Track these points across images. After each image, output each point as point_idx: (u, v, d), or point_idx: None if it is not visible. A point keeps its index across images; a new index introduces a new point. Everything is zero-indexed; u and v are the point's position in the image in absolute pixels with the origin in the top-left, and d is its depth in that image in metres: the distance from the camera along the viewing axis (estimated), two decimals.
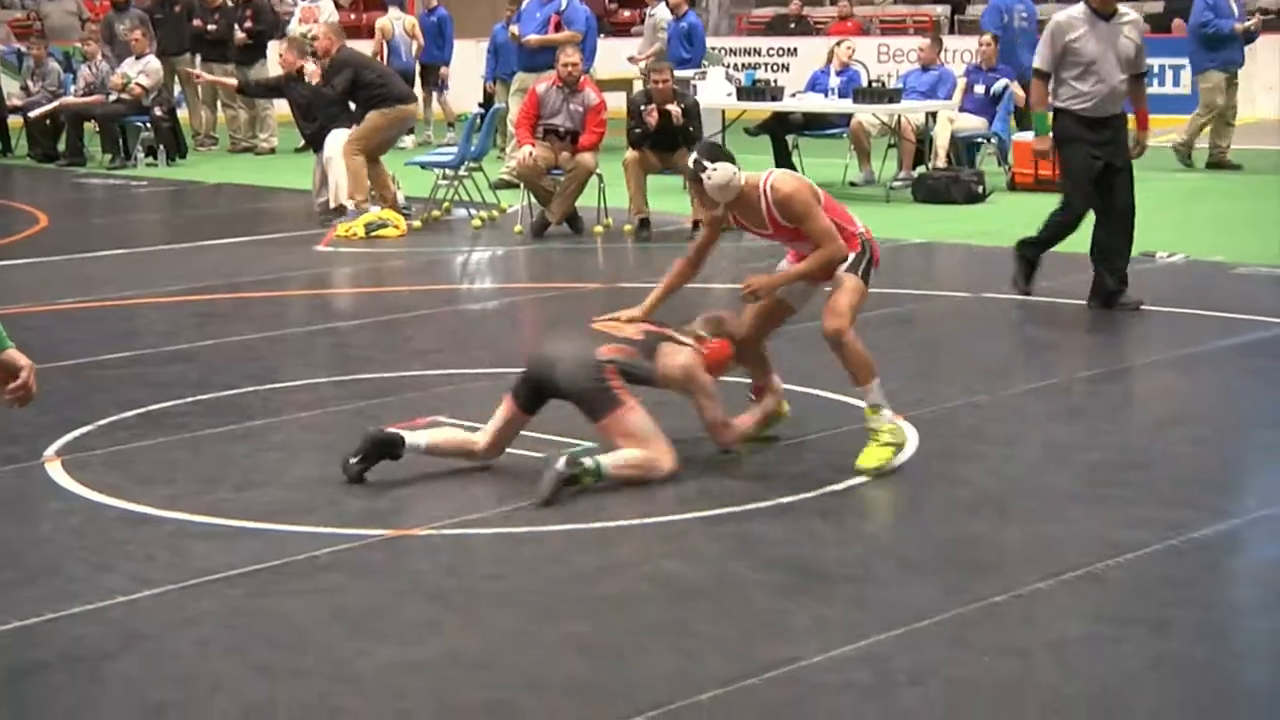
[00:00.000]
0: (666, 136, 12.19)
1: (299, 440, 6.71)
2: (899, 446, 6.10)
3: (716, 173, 6.22)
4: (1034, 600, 4.78)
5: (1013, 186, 14.54)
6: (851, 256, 6.21)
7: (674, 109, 12.11)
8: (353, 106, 12.91)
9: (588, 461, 5.87)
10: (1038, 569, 5.04)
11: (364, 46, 16.36)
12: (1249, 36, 15.91)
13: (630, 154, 12.27)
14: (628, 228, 12.38)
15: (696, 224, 11.97)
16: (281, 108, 16.18)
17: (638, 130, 12.22)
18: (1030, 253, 9.39)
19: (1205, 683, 4.21)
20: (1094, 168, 8.99)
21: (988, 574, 5.00)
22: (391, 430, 6.13)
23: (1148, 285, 9.76)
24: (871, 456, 6.02)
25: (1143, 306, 8.98)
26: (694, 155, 6.28)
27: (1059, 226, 9.26)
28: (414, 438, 6.15)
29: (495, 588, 4.98)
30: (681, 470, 6.01)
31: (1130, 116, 9.35)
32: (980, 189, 13.87)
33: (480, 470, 6.18)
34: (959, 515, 5.62)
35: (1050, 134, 9.22)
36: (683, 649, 4.47)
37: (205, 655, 4.51)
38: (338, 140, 12.81)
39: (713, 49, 18.36)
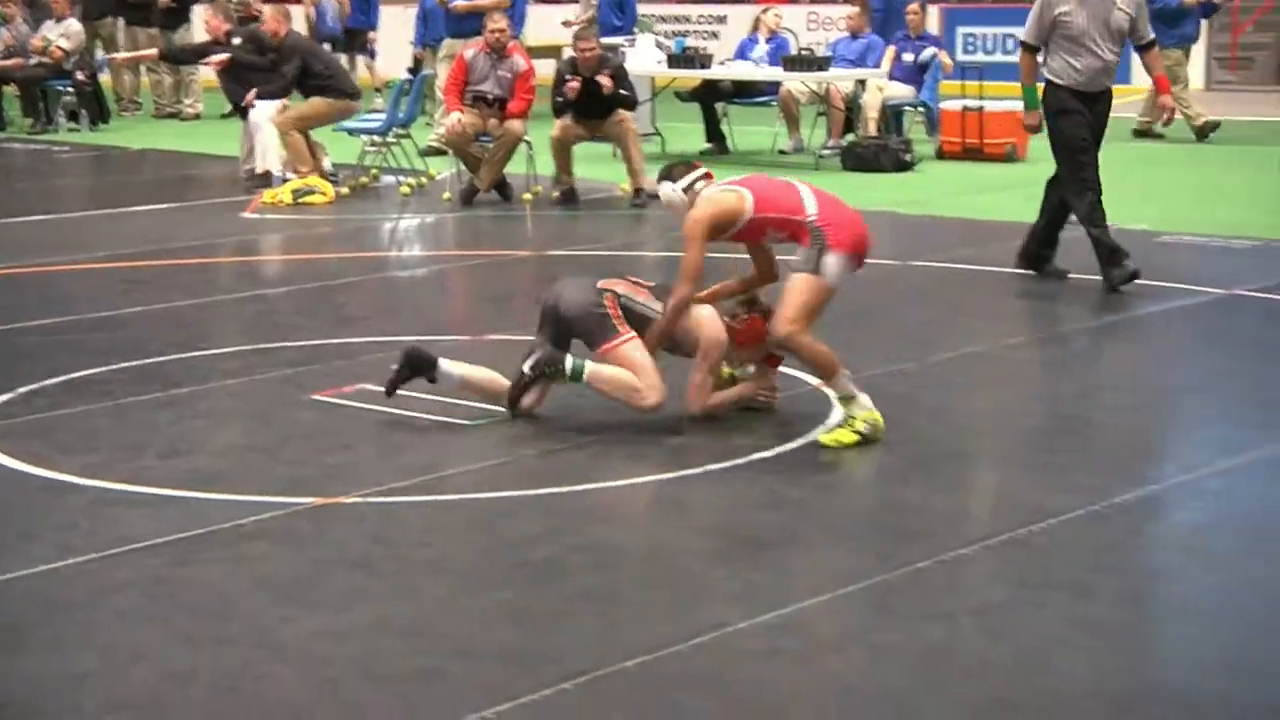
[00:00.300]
0: (596, 104, 12.15)
1: (225, 408, 6.65)
2: (867, 438, 5.96)
3: (659, 192, 6.28)
4: (959, 566, 4.82)
5: (940, 155, 14.62)
6: (801, 253, 6.11)
7: (605, 80, 12.06)
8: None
9: (568, 361, 5.96)
10: (963, 535, 5.08)
11: (293, 13, 16.20)
12: (1205, 10, 15.99)
13: (555, 128, 12.23)
14: (555, 194, 12.35)
15: (639, 191, 11.97)
16: (207, 73, 16.02)
17: (560, 100, 12.18)
18: (1099, 238, 8.86)
19: (1124, 645, 4.26)
20: (1085, 137, 8.84)
21: (914, 540, 5.03)
22: (428, 353, 6.24)
23: (1075, 253, 9.84)
24: (833, 436, 5.99)
25: (1069, 275, 9.06)
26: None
27: (1089, 208, 8.79)
28: (448, 365, 6.24)
29: (423, 555, 4.97)
30: (662, 407, 6.08)
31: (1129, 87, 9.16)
32: (908, 157, 13.93)
33: (411, 437, 6.15)
34: (887, 482, 5.66)
35: (1038, 108, 9.09)
36: (610, 616, 4.47)
37: (127, 624, 4.47)
38: (266, 109, 12.73)
39: (643, 16, 18.30)
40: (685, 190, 6.27)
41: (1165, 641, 4.33)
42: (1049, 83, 8.96)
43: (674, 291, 6.14)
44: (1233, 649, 4.26)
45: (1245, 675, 4.10)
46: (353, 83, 13.00)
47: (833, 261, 6.04)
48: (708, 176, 6.34)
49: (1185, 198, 12.28)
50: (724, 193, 6.14)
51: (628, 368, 6.07)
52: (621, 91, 12.15)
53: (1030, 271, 9.07)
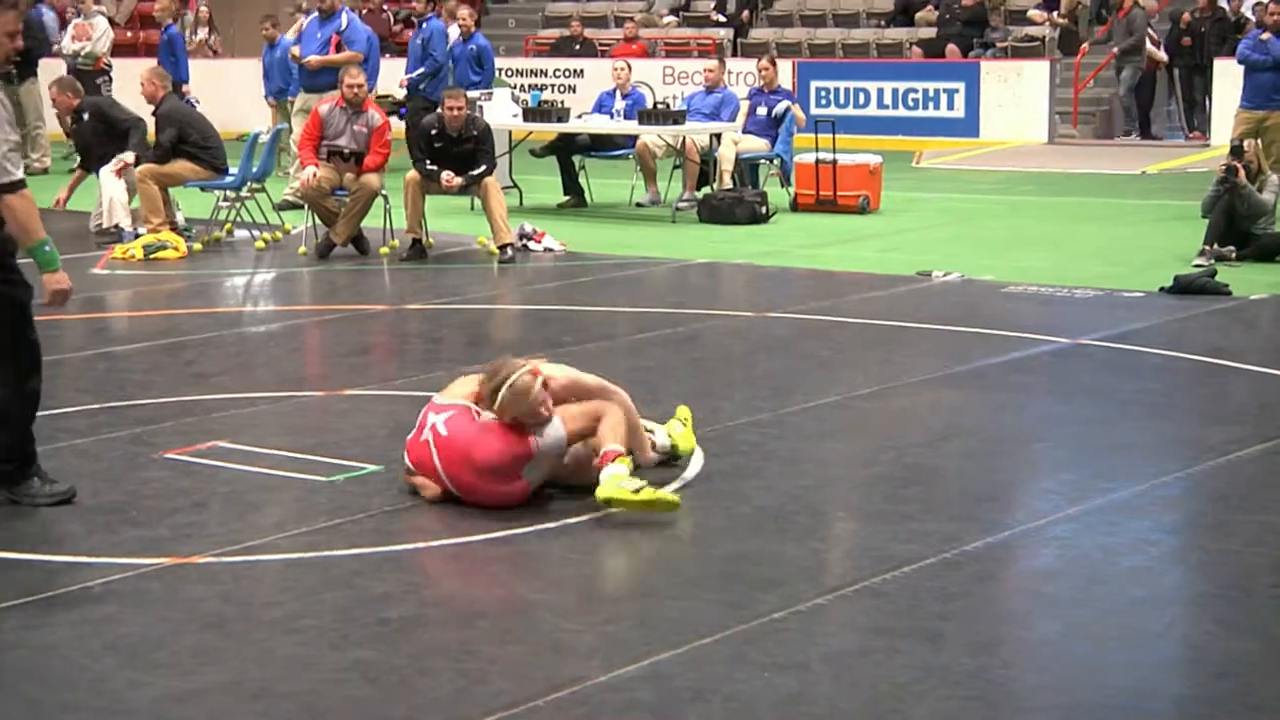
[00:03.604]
0: (457, 160, 12.14)
1: (72, 468, 6.50)
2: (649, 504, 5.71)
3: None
4: (812, 616, 4.86)
5: (795, 207, 14.81)
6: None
7: (451, 182, 12.01)
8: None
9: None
10: (817, 584, 5.13)
11: (142, 63, 16.02)
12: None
13: (411, 175, 12.21)
14: (389, 246, 12.28)
15: (505, 246, 11.94)
16: (54, 126, 15.77)
17: (425, 160, 12.15)
18: None
19: (974, 692, 4.33)
20: None
21: (768, 590, 5.07)
22: None
23: (924, 304, 10.02)
24: (616, 489, 5.72)
25: (923, 324, 9.22)
26: None
27: None
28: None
29: (275, 614, 4.90)
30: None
31: None
32: (764, 209, 14.10)
33: (265, 494, 6.08)
34: (741, 532, 5.69)
35: None
36: (467, 671, 4.45)
37: None
38: (110, 165, 12.59)
39: (500, 70, 18.39)
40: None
41: (1014, 688, 4.40)
42: None
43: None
44: (1078, 694, 4.34)
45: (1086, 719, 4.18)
46: (224, 157, 12.82)
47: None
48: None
49: (1031, 249, 12.55)
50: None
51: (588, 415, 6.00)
52: (479, 152, 12.15)
53: None
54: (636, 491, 5.68)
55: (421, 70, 16.59)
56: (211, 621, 4.84)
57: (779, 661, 4.49)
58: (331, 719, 4.16)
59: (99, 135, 12.99)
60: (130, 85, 14.19)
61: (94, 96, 13.68)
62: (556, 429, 5.85)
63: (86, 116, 13.12)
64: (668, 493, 5.81)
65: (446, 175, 12.02)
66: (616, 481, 5.71)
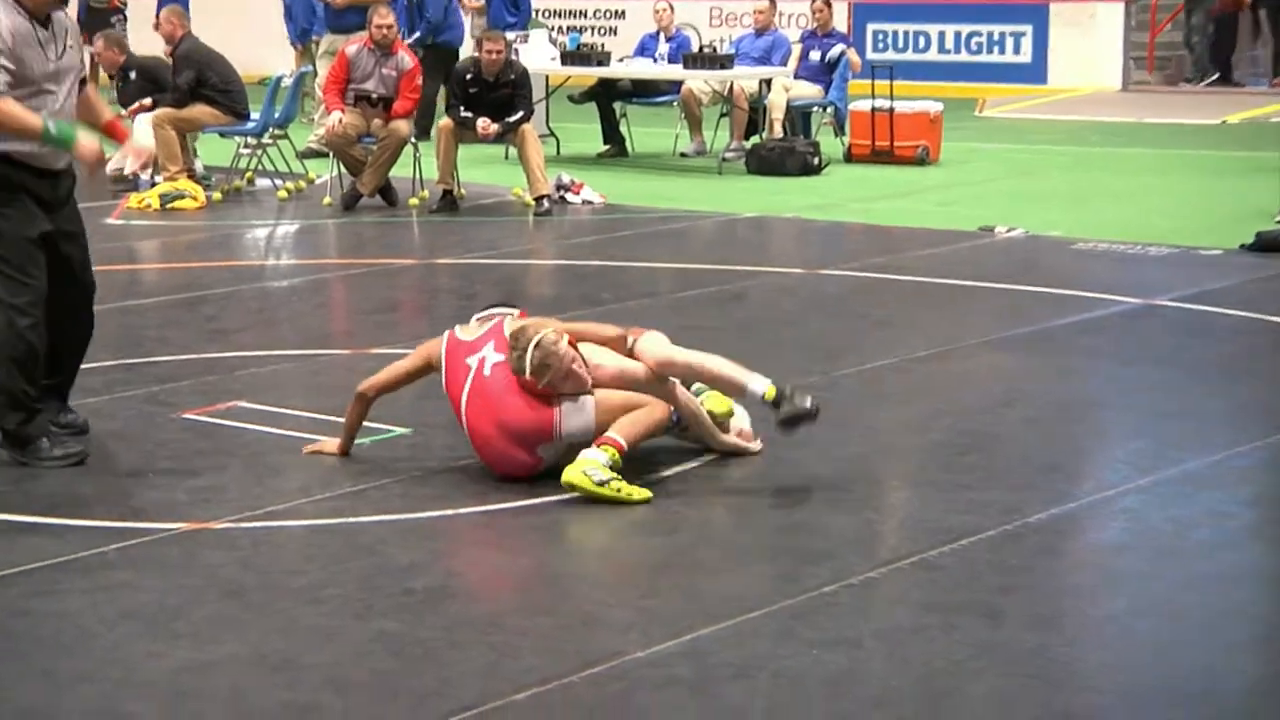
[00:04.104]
0: (493, 108, 12.13)
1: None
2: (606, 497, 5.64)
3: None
4: (864, 590, 4.87)
5: (849, 158, 14.76)
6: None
7: (488, 129, 12.00)
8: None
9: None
10: (869, 557, 5.14)
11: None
12: None
13: (444, 122, 12.22)
14: (419, 197, 12.30)
15: (542, 198, 11.94)
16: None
17: (459, 107, 12.15)
18: None
19: (1034, 671, 4.33)
20: None
21: (818, 563, 5.07)
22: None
23: (986, 261, 9.99)
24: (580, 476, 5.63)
25: (984, 283, 9.19)
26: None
27: None
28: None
29: (298, 583, 4.94)
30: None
31: None
32: (815, 160, 14.05)
33: (287, 458, 6.13)
34: (789, 502, 5.70)
35: None
36: (496, 645, 4.47)
37: None
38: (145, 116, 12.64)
39: (536, 11, 18.35)
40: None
41: (1077, 667, 4.40)
42: None
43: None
44: (1144, 674, 4.34)
45: (1156, 702, 4.18)
46: (245, 102, 12.83)
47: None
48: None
49: (1101, 203, 12.48)
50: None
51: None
52: (519, 114, 12.12)
53: None
54: (601, 484, 5.57)
55: (417, 35, 16.24)
56: (231, 590, 4.88)
57: (828, 638, 4.50)
58: (356, 693, 4.20)
59: (146, 94, 13.00)
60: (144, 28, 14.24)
61: (141, 57, 13.62)
62: (587, 416, 5.81)
63: (134, 76, 13.15)
64: (637, 490, 5.65)
65: (483, 123, 12.02)
66: (583, 467, 5.61)
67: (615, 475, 5.63)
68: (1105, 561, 5.22)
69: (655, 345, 6.00)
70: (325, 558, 5.18)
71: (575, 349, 5.80)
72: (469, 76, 12.23)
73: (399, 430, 6.38)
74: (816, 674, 4.28)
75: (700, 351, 6.00)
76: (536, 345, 5.73)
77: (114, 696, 4.18)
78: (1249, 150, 15.16)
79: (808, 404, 5.82)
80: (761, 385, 5.86)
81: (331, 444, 6.14)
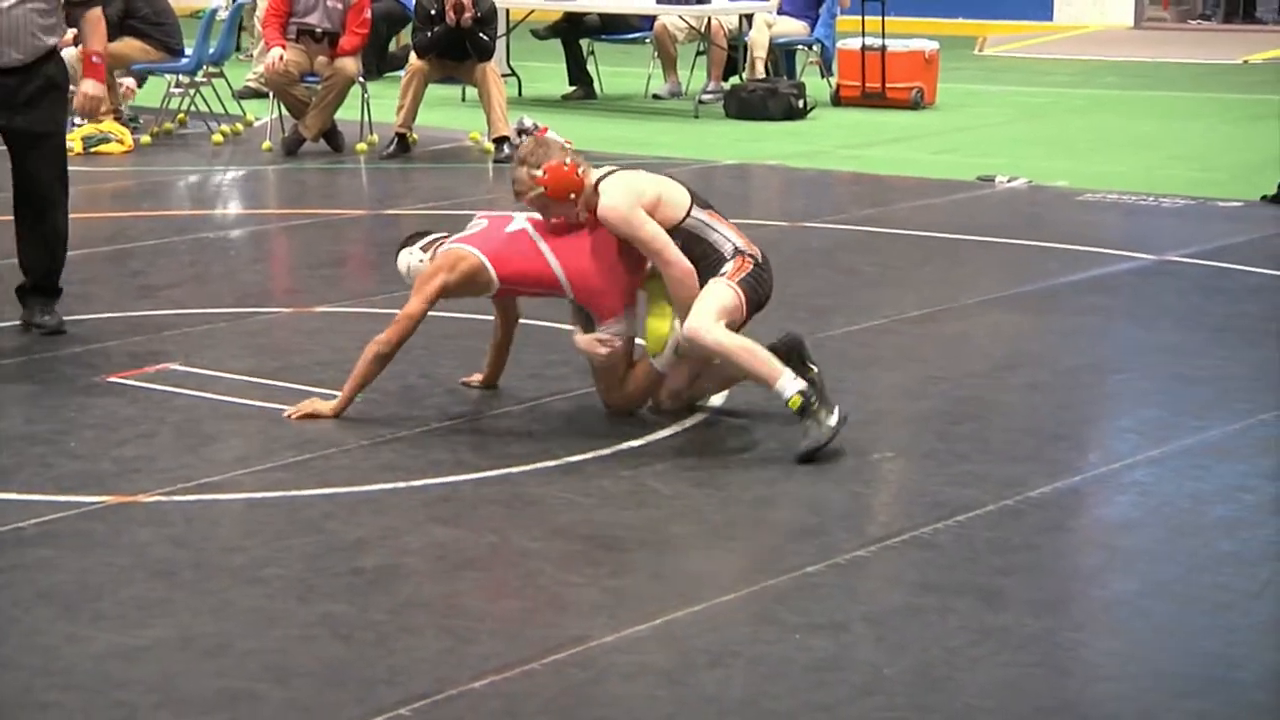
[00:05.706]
0: (453, 44, 12.05)
1: (1, 393, 6.55)
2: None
3: (398, 263, 6.46)
4: (853, 569, 4.88)
5: (837, 101, 14.75)
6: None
7: (464, 15, 11.92)
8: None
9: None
10: (858, 534, 5.15)
11: None
12: None
13: (415, 62, 12.15)
14: (367, 142, 12.25)
15: (501, 140, 11.89)
16: None
17: (427, 35, 12.06)
18: None
19: (1037, 657, 4.34)
20: None
21: (802, 540, 5.09)
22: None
23: (986, 214, 9.99)
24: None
25: (983, 237, 9.20)
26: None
27: None
28: None
29: (236, 562, 4.93)
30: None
31: None
32: (801, 103, 14.03)
33: (223, 424, 6.11)
34: (773, 474, 5.70)
35: None
36: (453, 629, 4.47)
37: None
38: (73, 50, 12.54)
39: None
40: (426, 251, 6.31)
41: (1083, 654, 4.42)
42: None
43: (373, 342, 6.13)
44: (1156, 661, 4.36)
45: (1169, 691, 4.19)
46: (179, 36, 12.74)
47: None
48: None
49: (1111, 151, 12.50)
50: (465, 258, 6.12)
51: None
52: (481, 36, 12.05)
53: None
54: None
55: None
56: (161, 569, 4.87)
57: (813, 621, 4.51)
58: (299, 681, 4.19)
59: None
60: None
61: None
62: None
63: None
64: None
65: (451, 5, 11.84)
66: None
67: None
68: (1114, 540, 5.23)
69: (703, 318, 5.96)
70: (265, 534, 5.17)
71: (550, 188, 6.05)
72: (434, 12, 12.15)
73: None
74: (800, 661, 4.29)
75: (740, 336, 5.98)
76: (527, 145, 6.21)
77: (31, 686, 4.16)
78: (1272, 93, 15.19)
79: (832, 422, 5.76)
80: (791, 389, 5.82)
81: (325, 405, 6.12)
